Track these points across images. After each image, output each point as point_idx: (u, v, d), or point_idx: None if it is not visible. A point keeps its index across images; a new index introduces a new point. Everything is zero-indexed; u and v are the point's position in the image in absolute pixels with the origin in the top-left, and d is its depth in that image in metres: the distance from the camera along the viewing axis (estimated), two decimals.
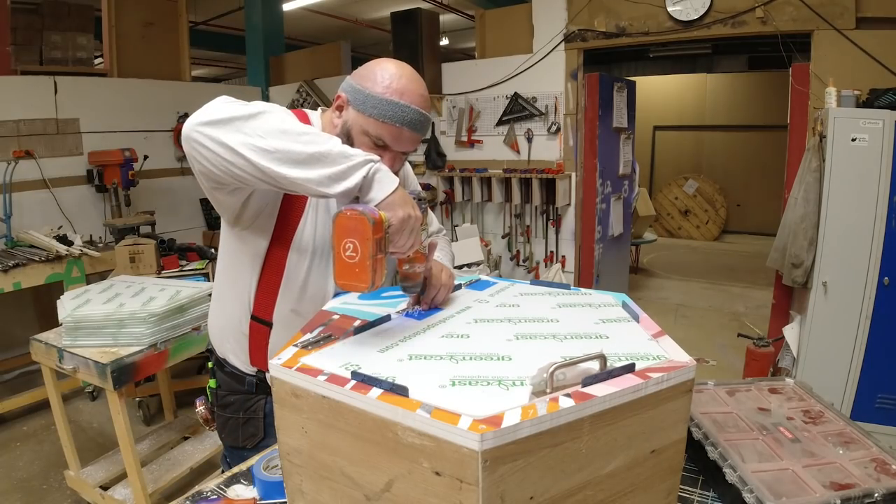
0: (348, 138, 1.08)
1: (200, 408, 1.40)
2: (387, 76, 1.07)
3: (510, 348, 0.85)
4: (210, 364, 1.37)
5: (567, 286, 1.17)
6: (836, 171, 2.62)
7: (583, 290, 1.14)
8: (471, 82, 4.30)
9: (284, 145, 0.89)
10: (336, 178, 0.88)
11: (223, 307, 1.27)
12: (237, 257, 1.20)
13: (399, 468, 0.69)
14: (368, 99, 1.06)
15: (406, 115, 1.06)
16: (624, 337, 0.88)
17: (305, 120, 1.18)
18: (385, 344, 0.88)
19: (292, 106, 5.20)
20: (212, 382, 1.36)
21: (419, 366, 0.80)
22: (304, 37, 7.62)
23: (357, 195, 0.91)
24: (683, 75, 7.23)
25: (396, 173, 1.10)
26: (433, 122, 4.53)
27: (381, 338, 0.91)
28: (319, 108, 1.23)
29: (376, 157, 0.92)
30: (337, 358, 0.82)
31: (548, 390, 0.71)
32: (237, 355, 1.26)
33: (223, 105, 0.94)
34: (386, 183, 0.91)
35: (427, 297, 1.05)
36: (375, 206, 0.88)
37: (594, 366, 0.75)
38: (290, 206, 1.15)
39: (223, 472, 1.34)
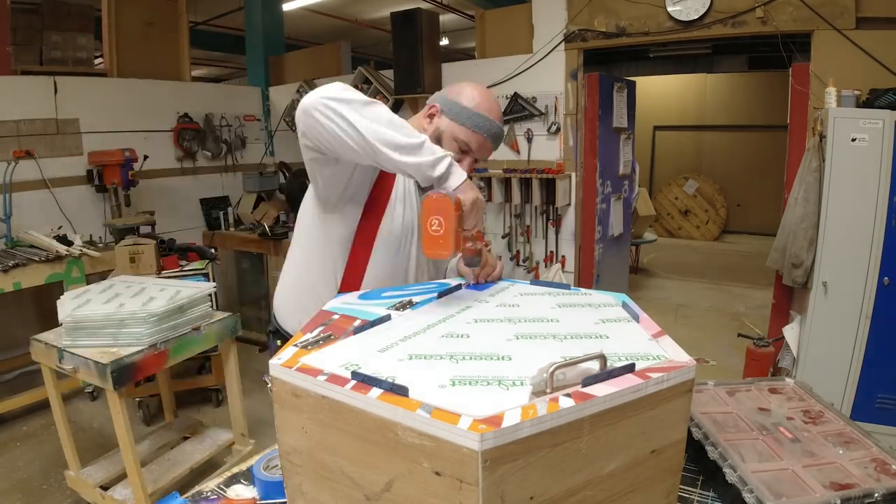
0: (438, 141, 1.29)
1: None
2: (476, 95, 1.32)
3: (510, 348, 0.85)
4: (279, 342, 1.42)
5: (567, 286, 1.17)
6: (836, 171, 2.62)
7: (583, 290, 1.14)
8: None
9: (391, 133, 1.06)
10: (428, 167, 1.07)
11: (305, 286, 1.38)
12: (324, 241, 1.34)
13: (399, 468, 0.69)
14: (462, 111, 1.30)
15: (491, 128, 1.31)
16: (624, 337, 0.88)
17: None
18: (385, 344, 0.88)
19: (292, 106, 5.21)
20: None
21: (419, 365, 0.80)
22: (304, 37, 7.62)
23: (436, 182, 1.09)
24: (683, 75, 7.21)
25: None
26: None
27: (381, 338, 0.91)
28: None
29: (451, 153, 1.11)
30: (337, 358, 0.82)
31: (548, 390, 0.71)
32: None
33: (344, 89, 1.09)
34: (459, 174, 1.10)
35: (484, 274, 1.25)
36: (452, 191, 1.07)
37: (594, 366, 0.75)
38: (378, 195, 1.32)
39: None
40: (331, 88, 1.08)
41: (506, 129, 1.48)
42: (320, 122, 1.07)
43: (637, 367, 0.75)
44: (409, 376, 0.75)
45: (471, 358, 0.82)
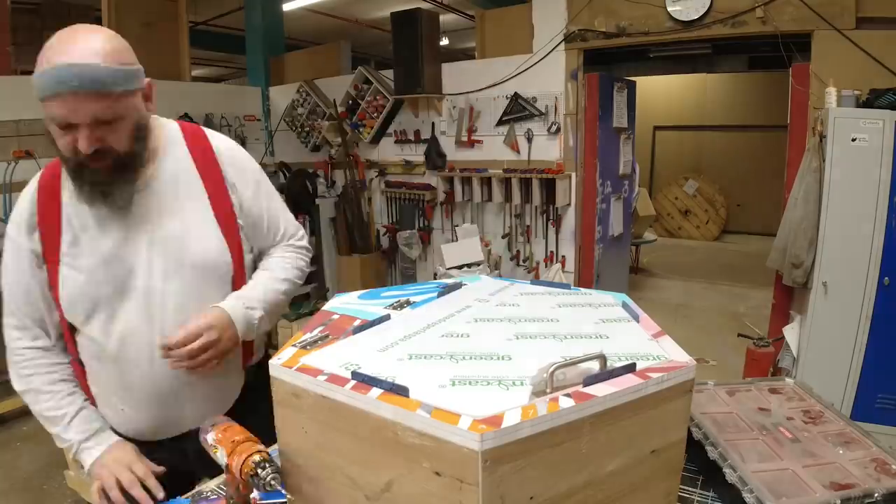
0: (53, 140, 0.99)
1: None
2: (43, 51, 0.92)
3: (510, 348, 0.85)
4: None
5: (567, 286, 1.17)
6: (836, 171, 2.62)
7: (583, 289, 1.14)
8: (471, 82, 4.30)
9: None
10: (66, 445, 1.19)
11: None
12: None
13: (399, 468, 0.69)
14: (35, 87, 0.92)
15: (57, 77, 0.88)
16: (624, 337, 0.88)
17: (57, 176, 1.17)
18: (385, 344, 0.88)
19: (292, 106, 5.22)
20: None
21: (419, 365, 0.80)
22: (304, 37, 7.61)
23: None
24: (683, 75, 7.21)
25: (118, 150, 1.04)
26: (433, 122, 4.52)
27: (381, 337, 0.91)
28: None
29: (75, 442, 1.15)
30: (337, 358, 0.82)
31: (548, 390, 0.71)
32: None
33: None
34: (89, 460, 1.13)
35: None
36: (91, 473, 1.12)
37: (594, 366, 0.75)
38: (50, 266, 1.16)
39: None
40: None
41: (99, 62, 0.91)
42: None
43: (637, 367, 0.75)
44: (409, 376, 0.75)
45: (471, 358, 0.82)
